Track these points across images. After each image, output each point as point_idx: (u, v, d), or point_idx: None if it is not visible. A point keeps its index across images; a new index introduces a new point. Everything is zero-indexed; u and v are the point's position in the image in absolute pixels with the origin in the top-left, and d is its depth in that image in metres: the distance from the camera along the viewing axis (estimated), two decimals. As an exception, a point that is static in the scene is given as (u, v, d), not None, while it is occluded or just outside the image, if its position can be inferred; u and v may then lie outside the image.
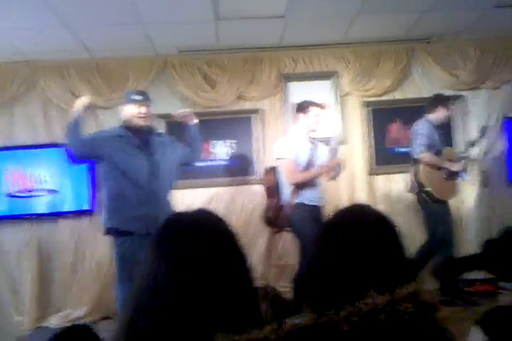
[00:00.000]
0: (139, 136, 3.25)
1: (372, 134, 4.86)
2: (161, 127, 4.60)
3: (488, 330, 1.06)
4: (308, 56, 4.79)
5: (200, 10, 3.71)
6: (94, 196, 4.52)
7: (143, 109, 3.24)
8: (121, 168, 3.15)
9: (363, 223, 1.05)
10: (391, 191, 4.87)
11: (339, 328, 0.79)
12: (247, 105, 4.80)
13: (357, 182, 4.82)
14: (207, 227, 0.97)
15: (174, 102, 4.67)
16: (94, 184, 4.52)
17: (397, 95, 4.92)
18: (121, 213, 3.15)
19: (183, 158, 3.47)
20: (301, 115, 3.79)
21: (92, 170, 4.50)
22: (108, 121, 4.52)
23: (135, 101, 3.24)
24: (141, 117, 3.23)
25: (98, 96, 4.49)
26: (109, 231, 3.21)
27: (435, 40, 4.80)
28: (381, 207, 4.81)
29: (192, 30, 4.10)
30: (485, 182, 4.91)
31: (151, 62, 4.61)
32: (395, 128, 4.91)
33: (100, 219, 3.37)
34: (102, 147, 3.17)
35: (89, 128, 4.52)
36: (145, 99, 3.30)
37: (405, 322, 0.81)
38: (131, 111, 3.24)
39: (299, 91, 4.73)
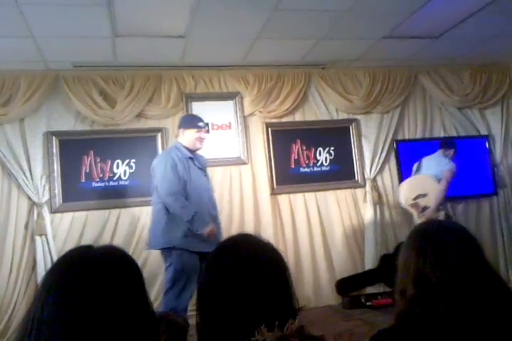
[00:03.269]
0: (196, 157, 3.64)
1: (273, 155, 4.92)
2: (53, 145, 4.39)
3: None
4: (209, 76, 4.78)
5: (97, 25, 3.55)
6: None
7: (203, 135, 3.62)
8: (188, 187, 3.46)
9: (245, 249, 1.06)
10: (293, 211, 4.96)
11: None
12: (149, 124, 4.66)
13: (261, 203, 4.82)
14: (103, 260, 0.96)
15: (69, 120, 4.44)
16: None
17: (297, 117, 5.05)
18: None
19: None
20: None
21: None
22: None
23: (199, 128, 3.60)
24: (201, 141, 3.62)
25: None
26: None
27: (329, 66, 5.01)
28: (286, 227, 4.94)
29: (88, 45, 3.91)
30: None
31: (42, 77, 4.33)
32: (295, 149, 5.05)
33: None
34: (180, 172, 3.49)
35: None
36: (206, 125, 3.77)
37: None
38: (195, 136, 3.59)
39: (202, 110, 4.69)
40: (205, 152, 4.64)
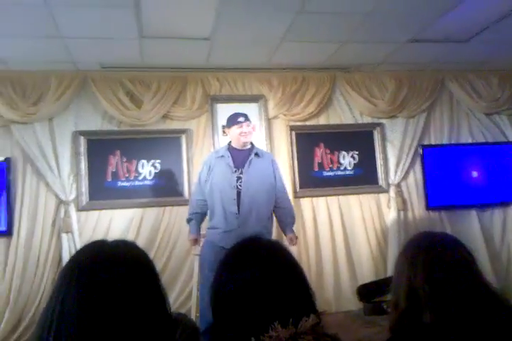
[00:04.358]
0: (239, 155, 3.53)
1: (296, 158, 4.87)
2: (81, 144, 4.44)
3: None
4: (233, 79, 4.75)
5: (124, 27, 3.56)
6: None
7: (245, 129, 3.52)
8: (208, 185, 3.48)
9: (261, 255, 1.04)
10: (315, 214, 4.87)
11: None
12: (174, 125, 4.65)
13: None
14: (121, 256, 0.97)
15: (97, 119, 4.48)
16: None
17: (321, 120, 4.98)
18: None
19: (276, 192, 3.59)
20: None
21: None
22: (24, 137, 4.31)
23: (239, 123, 3.54)
24: (245, 135, 3.52)
25: (13, 110, 4.23)
26: None
27: (354, 69, 4.93)
28: (308, 231, 4.85)
29: (115, 46, 3.94)
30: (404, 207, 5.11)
31: (71, 77, 4.37)
32: (319, 153, 5.01)
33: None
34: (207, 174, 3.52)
35: (3, 145, 4.31)
36: (246, 119, 3.58)
37: None
38: (237, 132, 3.52)
39: (227, 113, 4.68)
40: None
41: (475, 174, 5.27)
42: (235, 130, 3.55)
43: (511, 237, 5.25)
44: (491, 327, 1.11)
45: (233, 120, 3.59)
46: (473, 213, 5.20)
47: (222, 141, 4.63)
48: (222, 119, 4.61)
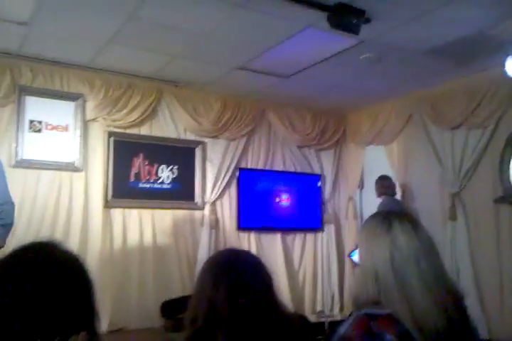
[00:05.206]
0: None
1: (113, 166, 4.60)
2: None
3: None
4: (50, 72, 4.35)
5: None
6: None
7: None
8: None
9: (43, 260, 0.96)
10: (126, 226, 4.62)
11: None
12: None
13: (91, 214, 4.42)
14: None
15: None
16: None
17: (143, 131, 4.83)
18: None
19: None
20: None
21: None
22: None
23: None
24: None
25: None
26: None
27: (183, 85, 4.93)
28: (116, 243, 4.57)
29: None
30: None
31: None
32: (137, 163, 4.79)
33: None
34: None
35: None
36: None
37: None
38: None
39: (37, 107, 4.23)
40: (34, 153, 4.19)
41: (284, 200, 5.62)
42: None
43: (308, 259, 5.65)
44: None
45: None
46: (278, 236, 5.49)
47: (27, 137, 4.15)
48: (32, 113, 4.17)
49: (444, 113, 4.83)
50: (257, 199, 5.44)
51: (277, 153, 5.71)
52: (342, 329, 1.20)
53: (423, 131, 5.04)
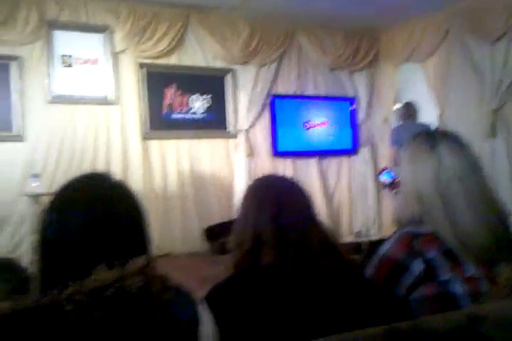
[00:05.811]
0: None
1: (147, 97, 4.59)
2: None
3: (212, 306, 1.03)
4: (77, 4, 4.24)
5: None
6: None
7: None
8: None
9: (94, 188, 0.98)
10: (164, 157, 4.73)
11: (62, 308, 0.73)
12: (2, 50, 4.00)
13: (130, 147, 4.52)
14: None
15: None
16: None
17: (173, 60, 4.74)
18: None
19: None
20: None
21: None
22: None
23: None
24: None
25: None
26: None
27: (209, 11, 4.74)
28: (156, 173, 4.69)
29: None
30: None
31: None
32: (169, 94, 4.78)
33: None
34: None
35: None
36: None
37: (133, 297, 0.79)
38: None
39: (66, 41, 4.18)
40: (67, 88, 4.22)
41: (318, 125, 5.57)
42: None
43: (344, 182, 5.71)
44: (325, 269, 1.15)
45: None
46: (314, 160, 5.52)
47: (60, 73, 4.16)
48: (61, 48, 4.14)
49: (483, 25, 4.53)
50: (290, 124, 5.40)
51: (309, 77, 5.56)
52: (383, 248, 1.23)
53: (461, 45, 4.79)
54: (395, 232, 1.26)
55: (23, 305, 0.70)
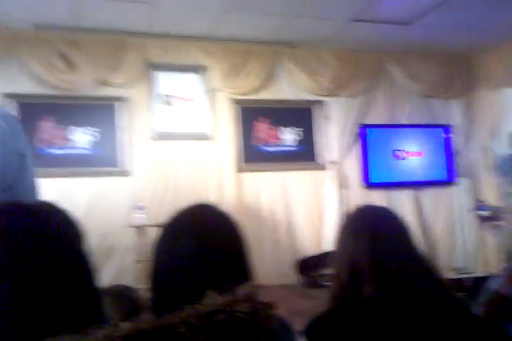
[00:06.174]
0: None
1: (241, 132, 4.78)
2: (11, 108, 4.14)
3: (312, 339, 1.04)
4: (175, 47, 4.57)
5: None
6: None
7: None
8: None
9: (203, 219, 1.03)
10: (257, 189, 4.83)
11: (177, 331, 0.75)
12: (110, 92, 4.42)
13: (225, 180, 4.68)
14: (44, 221, 0.87)
15: (26, 82, 4.17)
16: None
17: (265, 95, 4.90)
18: None
19: None
20: None
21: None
22: None
23: None
24: None
25: None
26: None
27: (298, 45, 4.87)
28: (250, 205, 4.79)
29: (49, 5, 3.69)
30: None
31: (1, 36, 4.03)
32: (261, 128, 4.93)
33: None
34: None
35: None
36: None
37: (242, 323, 0.80)
38: None
39: (167, 81, 4.52)
40: (168, 125, 4.52)
41: (412, 154, 5.39)
42: None
43: (442, 215, 5.40)
44: (429, 300, 1.13)
45: None
46: (408, 192, 5.31)
47: (160, 111, 4.48)
48: (162, 88, 4.46)
49: None
50: (382, 155, 5.28)
51: (400, 106, 5.43)
52: (494, 284, 1.16)
53: None
54: (504, 268, 1.18)
55: (142, 326, 0.73)
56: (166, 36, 4.48)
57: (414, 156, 5.40)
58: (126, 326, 0.71)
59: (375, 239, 1.21)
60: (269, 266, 4.70)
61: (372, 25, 4.45)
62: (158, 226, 3.81)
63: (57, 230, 0.87)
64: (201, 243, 0.96)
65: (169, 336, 0.73)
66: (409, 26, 4.50)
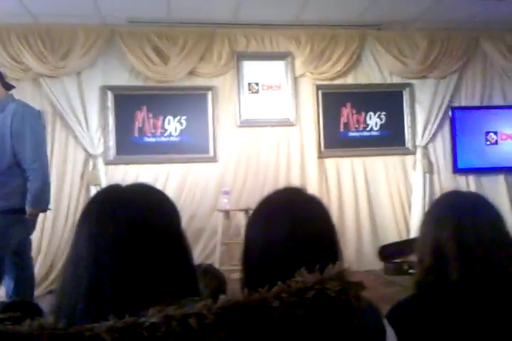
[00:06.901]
0: None
1: (322, 118, 4.75)
2: (108, 99, 4.42)
3: (396, 325, 1.04)
4: (261, 35, 4.62)
5: None
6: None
7: None
8: None
9: (295, 202, 1.04)
10: (340, 175, 4.79)
11: (269, 305, 0.78)
12: (200, 81, 4.58)
13: (307, 165, 4.70)
14: (146, 201, 0.92)
15: (124, 75, 4.43)
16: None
17: (349, 80, 4.82)
18: None
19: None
20: None
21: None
22: (53, 91, 4.30)
23: None
24: None
25: (42, 63, 4.21)
26: None
27: (385, 27, 4.71)
28: (332, 191, 4.77)
29: (142, 0, 3.86)
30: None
31: (98, 32, 4.30)
32: (345, 113, 4.86)
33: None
34: None
35: (33, 99, 4.29)
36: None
37: (332, 300, 0.82)
38: None
39: (253, 70, 4.60)
40: (254, 113, 4.61)
41: (505, 137, 5.08)
42: None
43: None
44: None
45: None
46: (502, 177, 5.04)
47: (247, 99, 4.56)
48: (248, 77, 4.54)
49: None
50: (473, 138, 5.02)
51: (496, 87, 5.10)
52: None
53: None
54: None
55: (237, 299, 0.77)
56: (252, 25, 4.53)
57: (509, 139, 5.08)
58: (222, 298, 0.76)
59: (460, 224, 1.18)
60: (352, 252, 4.70)
61: (463, 1, 4.19)
62: (244, 210, 3.98)
63: (161, 208, 0.92)
64: (296, 225, 1.00)
65: (262, 309, 0.77)
66: (504, 1, 4.18)
